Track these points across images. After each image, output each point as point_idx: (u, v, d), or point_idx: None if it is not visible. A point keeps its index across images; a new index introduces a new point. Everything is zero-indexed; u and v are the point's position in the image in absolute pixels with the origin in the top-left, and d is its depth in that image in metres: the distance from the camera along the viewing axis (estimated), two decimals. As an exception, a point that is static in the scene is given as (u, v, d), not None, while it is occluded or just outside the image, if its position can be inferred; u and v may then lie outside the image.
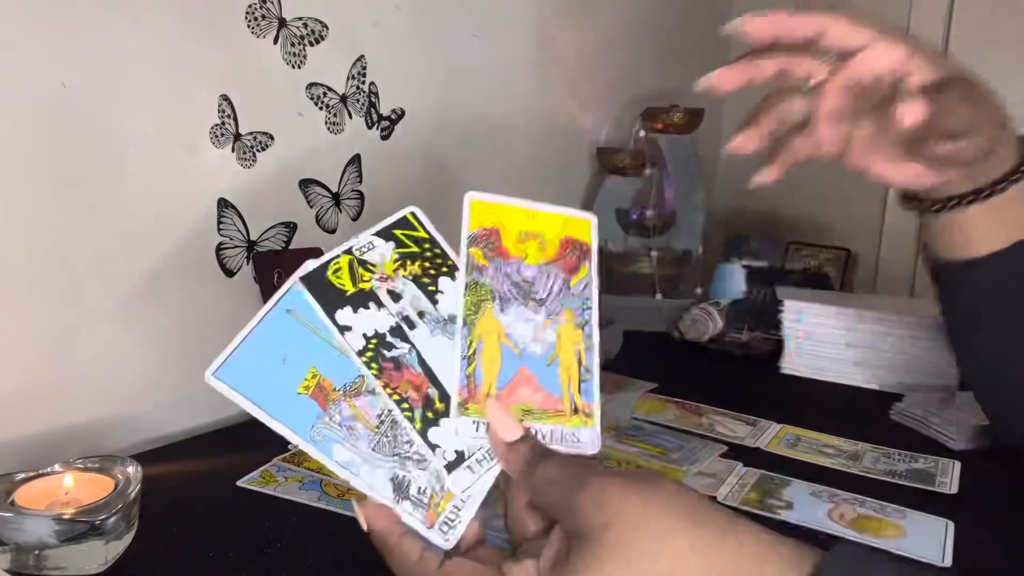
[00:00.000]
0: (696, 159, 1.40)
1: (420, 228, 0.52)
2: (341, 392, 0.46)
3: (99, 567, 0.56)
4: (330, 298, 0.48)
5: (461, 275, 0.49)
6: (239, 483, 0.71)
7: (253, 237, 0.88)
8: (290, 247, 0.92)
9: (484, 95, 1.15)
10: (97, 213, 0.74)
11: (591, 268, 0.53)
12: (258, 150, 0.87)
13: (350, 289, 0.48)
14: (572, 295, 0.51)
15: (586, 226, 0.53)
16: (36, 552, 0.54)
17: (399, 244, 0.51)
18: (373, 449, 0.46)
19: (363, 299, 0.48)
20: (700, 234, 1.40)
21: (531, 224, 0.52)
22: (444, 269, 0.51)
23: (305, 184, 0.92)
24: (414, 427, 0.46)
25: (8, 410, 0.71)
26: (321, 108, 0.92)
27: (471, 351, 0.48)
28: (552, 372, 0.49)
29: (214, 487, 0.70)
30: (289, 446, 0.77)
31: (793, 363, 1.09)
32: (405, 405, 0.47)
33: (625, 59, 1.44)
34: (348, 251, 0.50)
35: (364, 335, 0.47)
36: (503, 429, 0.45)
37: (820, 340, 1.08)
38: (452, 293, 0.50)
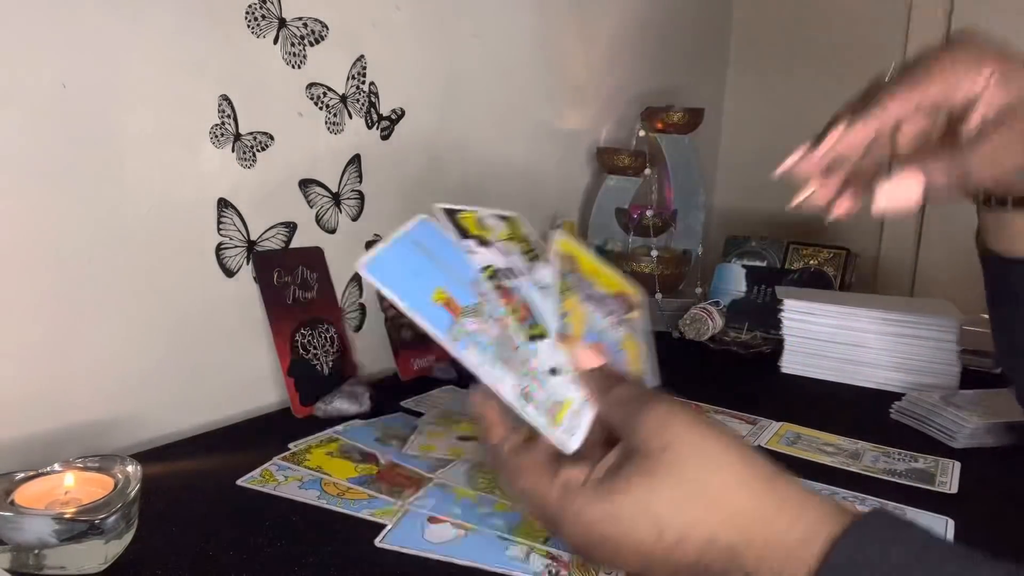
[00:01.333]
0: (696, 159, 1.40)
1: (522, 225, 0.58)
2: (465, 312, 0.49)
3: (99, 566, 0.56)
4: (461, 229, 0.53)
5: (554, 263, 0.55)
6: (239, 483, 0.71)
7: (253, 237, 0.88)
8: (290, 247, 0.92)
9: (484, 95, 1.15)
10: (97, 213, 0.75)
11: (643, 315, 0.60)
12: (258, 150, 0.87)
13: (474, 231, 0.54)
14: (630, 324, 0.58)
15: (635, 291, 0.61)
16: (36, 551, 0.55)
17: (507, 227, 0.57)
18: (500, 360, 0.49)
19: (483, 242, 0.54)
20: (700, 234, 1.40)
21: (596, 270, 0.60)
22: (541, 259, 0.55)
23: (305, 184, 0.92)
24: (520, 338, 0.50)
25: (8, 410, 0.71)
26: (321, 108, 0.92)
27: (563, 310, 0.53)
28: (622, 356, 0.55)
29: (214, 487, 0.70)
30: (289, 445, 0.77)
31: (793, 363, 1.09)
32: (515, 317, 0.50)
33: (625, 59, 1.44)
34: (474, 210, 0.55)
35: (483, 264, 0.52)
36: (587, 358, 0.49)
37: (820, 340, 1.08)
38: (546, 271, 0.55)
